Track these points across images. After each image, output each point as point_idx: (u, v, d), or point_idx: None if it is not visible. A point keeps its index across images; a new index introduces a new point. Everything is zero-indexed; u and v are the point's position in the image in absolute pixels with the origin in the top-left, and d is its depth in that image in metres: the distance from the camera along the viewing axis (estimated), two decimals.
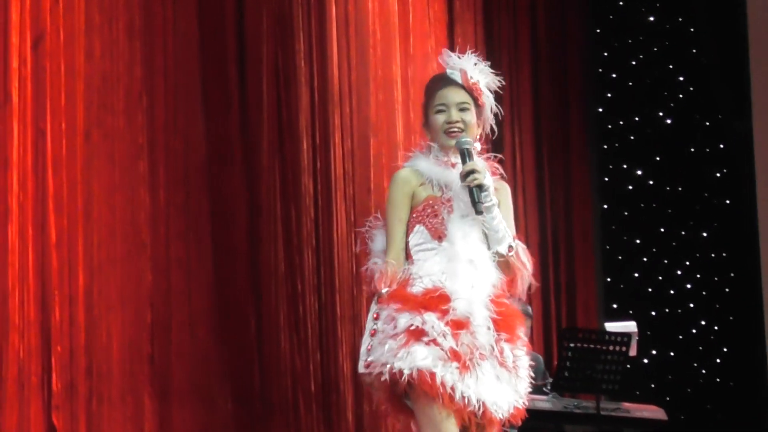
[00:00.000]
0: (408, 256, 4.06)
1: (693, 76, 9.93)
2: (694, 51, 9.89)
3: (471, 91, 4.14)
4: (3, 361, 5.93)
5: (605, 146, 10.00)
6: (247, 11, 7.51)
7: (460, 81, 4.15)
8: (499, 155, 4.24)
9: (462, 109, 4.11)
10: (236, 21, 7.48)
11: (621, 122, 9.98)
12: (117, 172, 6.66)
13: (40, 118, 6.25)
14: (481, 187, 3.99)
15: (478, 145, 4.15)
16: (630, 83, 9.95)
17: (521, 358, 4.01)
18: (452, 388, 3.82)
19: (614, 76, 9.99)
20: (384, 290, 3.99)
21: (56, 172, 6.30)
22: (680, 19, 9.89)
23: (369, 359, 3.95)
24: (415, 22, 8.55)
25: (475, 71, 4.21)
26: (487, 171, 4.07)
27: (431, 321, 3.87)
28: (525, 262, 4.09)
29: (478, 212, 3.99)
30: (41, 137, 6.25)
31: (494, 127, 4.27)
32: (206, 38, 7.26)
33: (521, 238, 4.21)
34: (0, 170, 6.03)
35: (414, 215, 4.09)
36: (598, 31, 9.98)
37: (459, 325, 3.88)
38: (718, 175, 9.86)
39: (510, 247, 4.06)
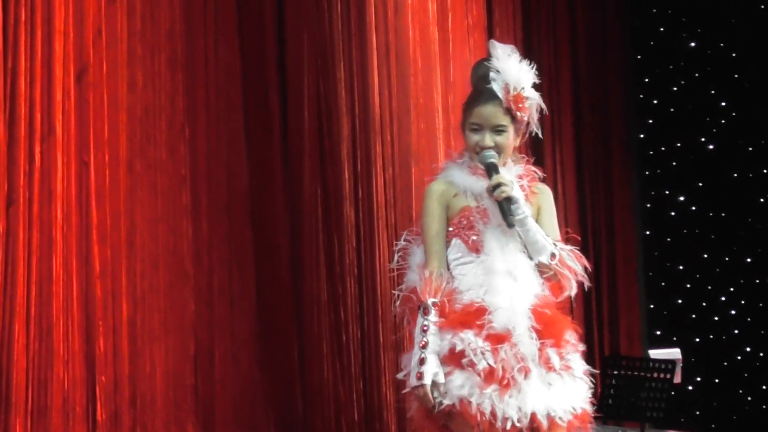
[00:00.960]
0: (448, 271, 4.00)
1: (735, 100, 9.88)
2: (737, 76, 9.85)
3: (510, 109, 4.07)
4: (48, 391, 5.96)
5: (647, 172, 9.97)
6: (288, 41, 7.55)
7: (501, 96, 4.08)
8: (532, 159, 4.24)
9: (498, 131, 4.05)
10: (277, 51, 7.52)
11: (663, 148, 9.95)
12: (160, 203, 6.70)
13: (83, 150, 6.31)
14: (510, 200, 3.94)
15: (511, 162, 4.09)
16: (671, 109, 9.92)
17: (573, 361, 3.94)
18: (492, 414, 3.77)
19: (655, 102, 9.96)
20: (430, 301, 3.93)
21: (100, 204, 6.34)
22: (721, 44, 9.85)
23: (420, 370, 3.92)
24: (455, 50, 8.55)
25: (519, 78, 4.16)
26: (517, 181, 4.04)
27: (468, 339, 3.83)
28: (572, 266, 4.01)
29: (510, 225, 3.93)
30: (85, 169, 6.30)
31: (538, 131, 4.24)
32: (248, 68, 7.30)
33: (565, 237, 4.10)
34: (45, 202, 6.08)
35: (450, 228, 4.03)
36: (639, 57, 9.95)
37: (499, 339, 3.83)
38: (762, 200, 9.79)
39: (552, 255, 3.98)
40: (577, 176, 9.55)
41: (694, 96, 9.87)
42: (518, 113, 4.09)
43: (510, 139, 4.09)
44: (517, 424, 3.80)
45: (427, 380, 3.90)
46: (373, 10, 7.90)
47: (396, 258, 4.15)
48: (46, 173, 6.09)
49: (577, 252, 4.08)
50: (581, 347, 4.02)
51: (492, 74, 4.14)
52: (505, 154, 4.08)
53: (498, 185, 3.94)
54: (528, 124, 4.19)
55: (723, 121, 9.89)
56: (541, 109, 4.24)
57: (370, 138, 7.81)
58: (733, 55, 9.87)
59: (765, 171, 9.79)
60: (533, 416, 3.81)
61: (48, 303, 6.00)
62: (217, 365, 6.85)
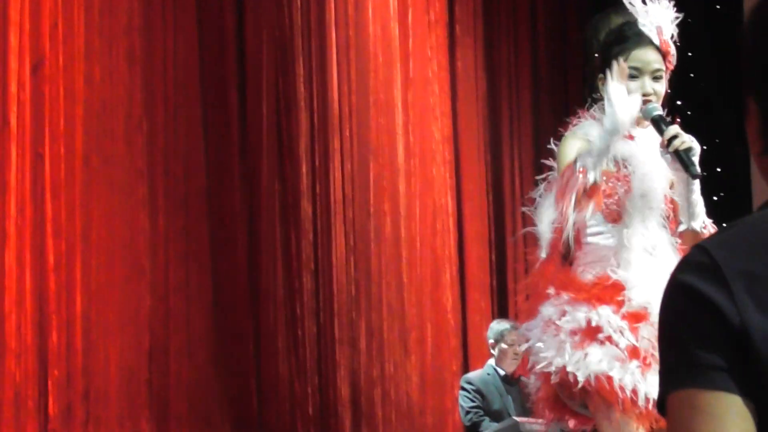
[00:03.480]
0: (577, 239, 3.55)
1: (692, 101, 9.94)
2: (693, 75, 9.91)
3: (665, 54, 3.65)
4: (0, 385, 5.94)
5: None
6: (247, 36, 7.55)
7: (657, 41, 3.64)
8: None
9: (656, 78, 3.62)
10: (237, 46, 7.51)
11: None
12: (116, 197, 6.69)
13: (38, 143, 6.29)
14: (690, 150, 3.47)
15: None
16: None
17: None
18: (633, 391, 3.35)
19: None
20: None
21: (55, 197, 6.32)
22: (678, 44, 9.91)
23: (540, 356, 3.48)
24: (416, 46, 8.57)
25: (668, 22, 3.69)
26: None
27: (606, 315, 3.42)
28: None
29: (695, 176, 3.46)
30: (40, 162, 6.28)
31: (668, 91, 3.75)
32: (206, 63, 7.30)
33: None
34: None
35: (586, 192, 3.54)
36: (597, 54, 9.99)
37: (637, 318, 3.42)
38: (715, 198, 9.86)
39: (704, 224, 3.58)
40: (535, 172, 9.55)
41: None
42: (671, 61, 3.66)
43: (664, 87, 3.65)
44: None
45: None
46: (333, 5, 7.90)
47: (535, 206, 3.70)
48: None
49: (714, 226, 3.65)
50: None
51: (642, 23, 3.65)
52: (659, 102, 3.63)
53: (675, 136, 3.46)
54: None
55: (679, 121, 9.93)
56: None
57: (328, 133, 7.82)
58: (690, 55, 9.92)
59: (719, 170, 9.86)
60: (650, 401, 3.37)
61: (0, 296, 5.98)
62: (171, 360, 6.84)
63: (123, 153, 6.76)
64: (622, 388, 3.36)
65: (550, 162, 3.88)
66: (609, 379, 3.37)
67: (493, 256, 8.96)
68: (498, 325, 7.20)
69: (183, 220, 7.07)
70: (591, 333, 3.42)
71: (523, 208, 3.81)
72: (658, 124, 3.56)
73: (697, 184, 3.53)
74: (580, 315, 3.44)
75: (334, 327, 7.67)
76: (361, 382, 7.68)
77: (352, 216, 7.88)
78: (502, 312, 8.88)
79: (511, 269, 9.08)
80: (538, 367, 3.50)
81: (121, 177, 6.74)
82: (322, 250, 7.68)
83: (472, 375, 7.29)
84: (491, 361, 7.18)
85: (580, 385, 3.39)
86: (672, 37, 3.71)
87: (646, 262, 3.48)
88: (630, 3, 3.76)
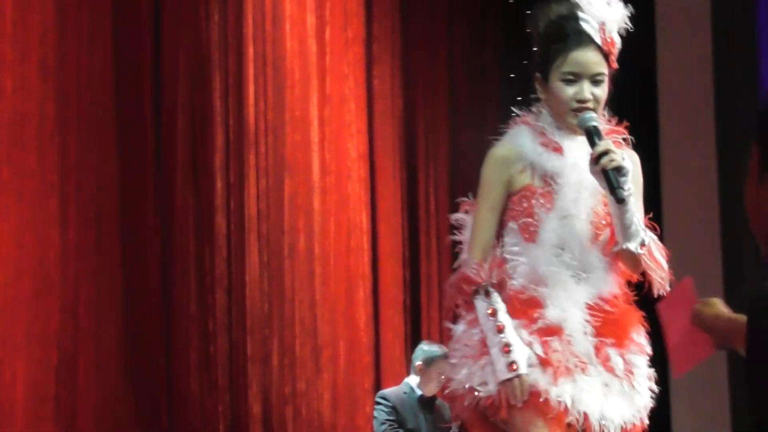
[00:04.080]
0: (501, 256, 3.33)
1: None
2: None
3: (608, 54, 3.36)
4: None
5: None
6: (163, 49, 7.49)
7: (599, 40, 3.34)
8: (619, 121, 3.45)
9: (596, 82, 3.35)
10: (152, 59, 7.45)
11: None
12: (26, 211, 6.59)
13: None
14: (620, 170, 3.20)
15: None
16: None
17: (638, 366, 3.29)
18: (546, 392, 3.17)
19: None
20: (489, 282, 3.27)
21: None
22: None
23: (451, 378, 3.31)
24: (333, 63, 8.57)
25: (614, 15, 3.40)
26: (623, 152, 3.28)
27: (514, 327, 3.24)
28: (659, 259, 3.32)
29: (620, 200, 3.20)
30: None
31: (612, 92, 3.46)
32: (121, 76, 7.22)
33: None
34: None
35: (509, 207, 3.37)
36: (513, 75, 10.08)
37: (549, 332, 3.23)
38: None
39: (642, 243, 3.28)
40: (451, 190, 9.61)
41: None
42: (614, 60, 3.37)
43: (605, 91, 3.37)
44: (571, 415, 3.18)
45: (523, 368, 3.18)
46: (250, 20, 7.87)
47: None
48: None
49: (659, 243, 3.38)
50: (648, 349, 3.34)
51: (584, 20, 3.35)
52: (599, 111, 3.37)
53: (605, 152, 3.21)
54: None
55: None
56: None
57: (244, 149, 7.78)
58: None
59: None
60: (585, 417, 3.19)
61: None
62: (80, 376, 6.76)
63: (34, 166, 6.67)
64: (534, 388, 3.18)
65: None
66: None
67: (407, 273, 8.98)
68: (428, 348, 7.17)
69: (95, 235, 6.99)
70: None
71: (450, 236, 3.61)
72: (591, 136, 3.29)
73: (631, 205, 3.24)
74: (476, 331, 3.27)
75: (247, 344, 7.63)
76: (272, 400, 7.65)
77: (267, 232, 7.85)
78: (415, 329, 8.91)
79: (425, 287, 9.11)
80: (450, 392, 3.34)
81: (32, 190, 6.64)
82: (236, 266, 7.64)
83: (388, 391, 7.30)
84: (409, 380, 7.18)
85: (477, 400, 3.21)
86: (617, 33, 3.40)
87: (565, 280, 3.27)
88: None
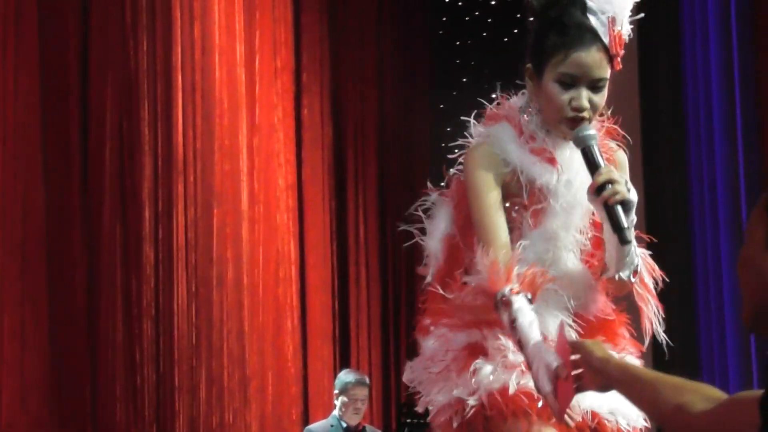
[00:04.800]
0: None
1: None
2: None
3: (614, 55, 2.87)
4: None
5: None
6: (91, 77, 7.43)
7: (605, 38, 2.85)
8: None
9: (596, 88, 2.87)
10: (80, 85, 7.39)
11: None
12: None
13: None
14: (625, 205, 2.75)
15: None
16: None
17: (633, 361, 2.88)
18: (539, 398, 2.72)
19: (457, 151, 10.13)
20: (506, 288, 2.75)
21: None
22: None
23: (427, 399, 2.90)
24: (262, 92, 8.56)
25: (624, 7, 2.89)
26: (625, 176, 2.87)
27: (493, 334, 2.85)
28: (649, 286, 2.93)
29: (625, 241, 2.78)
30: None
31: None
32: (48, 103, 7.15)
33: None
34: None
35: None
36: (442, 106, 10.14)
37: None
38: None
39: (635, 271, 2.88)
40: (380, 221, 9.64)
41: None
42: (618, 63, 2.90)
43: (604, 97, 2.91)
44: (578, 417, 2.81)
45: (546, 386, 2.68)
46: (179, 49, 7.84)
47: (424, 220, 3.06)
48: None
49: (651, 261, 2.97)
50: (641, 347, 2.98)
51: (593, 16, 2.87)
52: (595, 117, 2.92)
53: (608, 182, 2.75)
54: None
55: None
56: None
57: (172, 178, 7.73)
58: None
59: None
60: (594, 414, 2.85)
61: None
62: (3, 407, 6.65)
63: None
64: (527, 394, 2.78)
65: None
66: (504, 390, 2.80)
67: (336, 303, 8.97)
68: (344, 377, 7.16)
69: (20, 263, 6.89)
70: (475, 350, 2.88)
71: (405, 226, 3.10)
72: (588, 158, 2.82)
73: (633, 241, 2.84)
74: (460, 338, 2.90)
75: (174, 374, 7.56)
76: (200, 431, 7.58)
77: (195, 262, 7.80)
78: (344, 360, 8.89)
79: (354, 317, 9.10)
80: (431, 410, 2.92)
81: None
82: (164, 296, 7.58)
83: (315, 426, 7.24)
84: (336, 412, 7.15)
85: (470, 411, 2.82)
86: (627, 31, 2.92)
87: (551, 296, 2.89)
88: None
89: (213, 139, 8.04)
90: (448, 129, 10.18)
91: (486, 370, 2.82)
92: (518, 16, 10.23)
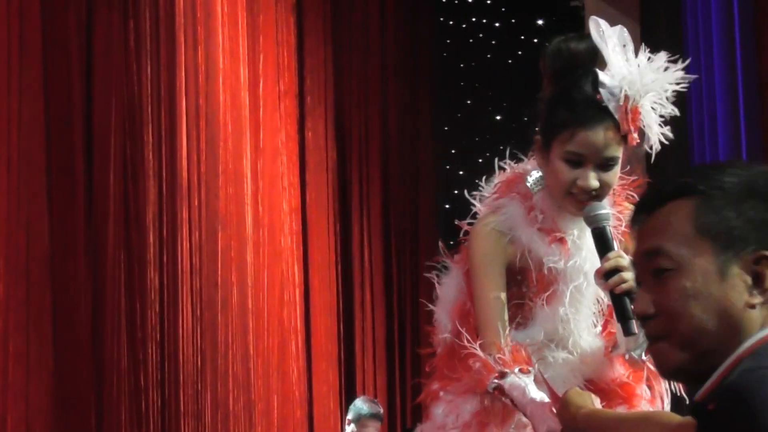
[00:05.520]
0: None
1: None
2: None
3: (627, 132, 2.71)
4: None
5: (452, 242, 10.10)
6: (95, 102, 7.43)
7: (617, 115, 2.71)
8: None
9: (606, 167, 2.75)
10: (84, 111, 7.39)
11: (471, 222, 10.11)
12: None
13: None
14: (631, 294, 2.63)
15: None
16: (476, 180, 10.09)
17: None
18: None
19: (461, 173, 10.15)
20: (494, 380, 2.72)
21: None
22: (525, 119, 10.09)
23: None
24: (266, 116, 8.56)
25: (646, 84, 2.72)
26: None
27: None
28: None
29: (629, 333, 2.69)
30: None
31: (650, 148, 2.81)
32: (52, 128, 7.15)
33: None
34: None
35: None
36: (447, 129, 10.15)
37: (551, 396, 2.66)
38: None
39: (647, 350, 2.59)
40: (384, 244, 9.63)
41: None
42: (632, 139, 2.74)
43: (617, 175, 2.79)
44: None
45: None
46: (183, 73, 7.84)
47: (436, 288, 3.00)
48: None
49: None
50: (665, 401, 2.85)
51: (605, 92, 2.72)
52: (609, 194, 2.81)
53: (615, 270, 2.67)
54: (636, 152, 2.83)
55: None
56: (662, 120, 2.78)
57: (176, 202, 7.72)
58: (537, 128, 10.12)
59: None
60: None
61: None
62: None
63: None
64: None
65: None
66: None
67: (341, 327, 8.95)
68: (360, 405, 7.12)
69: (24, 289, 6.88)
70: (485, 419, 2.81)
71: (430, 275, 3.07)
72: (598, 240, 2.74)
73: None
74: (471, 404, 2.82)
75: (179, 399, 7.54)
76: None
77: (199, 286, 7.78)
78: (349, 383, 8.87)
79: (359, 340, 9.09)
80: None
81: None
82: (168, 320, 7.56)
83: None
84: None
85: None
86: (646, 108, 2.73)
87: (555, 362, 2.82)
88: (599, 36, 2.77)
89: (217, 163, 8.04)
90: (453, 151, 10.21)
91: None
92: (522, 38, 10.26)
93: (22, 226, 6.89)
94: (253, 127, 8.43)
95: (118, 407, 7.25)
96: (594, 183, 2.73)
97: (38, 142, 7.06)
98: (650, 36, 7.51)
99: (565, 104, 2.77)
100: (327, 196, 9.04)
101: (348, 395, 8.36)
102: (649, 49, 2.79)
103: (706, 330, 1.70)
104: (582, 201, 2.76)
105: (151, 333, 7.46)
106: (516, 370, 2.71)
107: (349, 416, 7.08)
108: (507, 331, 2.80)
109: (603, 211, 2.74)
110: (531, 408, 2.65)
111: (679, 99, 2.83)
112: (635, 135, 2.74)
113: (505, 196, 2.94)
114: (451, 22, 10.34)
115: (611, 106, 2.72)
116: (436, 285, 3.01)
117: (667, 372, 1.77)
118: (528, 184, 2.91)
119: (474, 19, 10.31)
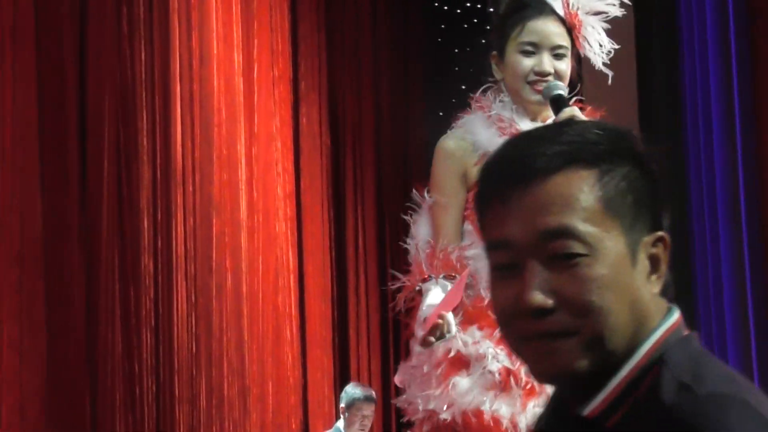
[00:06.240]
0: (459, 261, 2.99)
1: None
2: None
3: (572, 27, 3.02)
4: None
5: None
6: (89, 86, 7.42)
7: (560, 11, 3.02)
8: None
9: (558, 56, 3.02)
10: (78, 96, 7.38)
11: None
12: None
13: None
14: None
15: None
16: None
17: None
18: (513, 423, 2.78)
19: None
20: (441, 276, 2.94)
21: None
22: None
23: (405, 399, 2.95)
24: (260, 101, 8.55)
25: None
26: None
27: (473, 338, 2.90)
28: None
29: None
30: None
31: (580, 74, 3.12)
32: (45, 114, 7.14)
33: None
34: None
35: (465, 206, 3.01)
36: (440, 114, 10.13)
37: None
38: None
39: None
40: (379, 229, 9.63)
41: None
42: (579, 37, 3.02)
43: (569, 68, 3.03)
44: None
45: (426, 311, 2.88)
46: (177, 58, 7.83)
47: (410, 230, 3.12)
48: None
49: None
50: None
51: None
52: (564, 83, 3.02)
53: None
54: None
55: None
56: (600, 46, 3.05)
57: (171, 188, 7.71)
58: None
59: None
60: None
61: None
62: (3, 419, 6.63)
63: None
64: (496, 420, 2.80)
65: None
66: (478, 413, 2.82)
67: (335, 312, 8.95)
68: (352, 391, 7.13)
69: (17, 275, 6.88)
70: (455, 363, 2.90)
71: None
72: (556, 105, 2.93)
73: None
74: (443, 345, 2.90)
75: (174, 384, 7.54)
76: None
77: (194, 272, 7.78)
78: (343, 369, 8.87)
79: (353, 326, 9.09)
80: (407, 415, 2.97)
81: None
82: (163, 306, 7.56)
83: None
84: (339, 423, 7.12)
85: (444, 420, 2.83)
86: (582, 8, 3.04)
87: None
88: None
89: (211, 148, 8.03)
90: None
91: (463, 386, 2.86)
92: None
93: (15, 211, 6.89)
94: (247, 113, 8.42)
95: (113, 393, 7.26)
96: (549, 67, 2.98)
97: (31, 128, 7.05)
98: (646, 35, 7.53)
99: (516, 10, 3.06)
100: (321, 182, 9.04)
101: (342, 381, 8.37)
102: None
103: (618, 326, 1.40)
104: (541, 89, 2.98)
105: (146, 319, 7.46)
106: (441, 276, 2.94)
107: (343, 404, 7.09)
108: (457, 237, 2.99)
109: (558, 83, 2.97)
110: (419, 312, 2.90)
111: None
112: (579, 38, 3.02)
113: (466, 114, 3.17)
114: (445, 7, 10.33)
115: (555, 5, 3.02)
116: (411, 224, 3.20)
117: (558, 375, 1.43)
118: (488, 102, 3.13)
119: (468, 4, 10.30)
